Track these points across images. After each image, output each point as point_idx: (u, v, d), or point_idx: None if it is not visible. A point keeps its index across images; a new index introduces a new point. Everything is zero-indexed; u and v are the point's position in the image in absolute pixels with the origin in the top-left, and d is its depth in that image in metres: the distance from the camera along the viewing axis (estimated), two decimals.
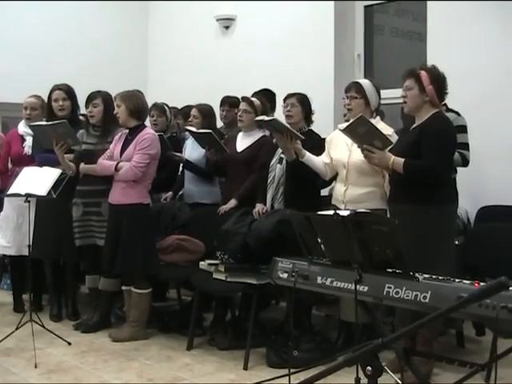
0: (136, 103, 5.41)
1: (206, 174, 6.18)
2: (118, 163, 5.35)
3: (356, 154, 4.82)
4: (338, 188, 5.03)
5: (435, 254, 4.25)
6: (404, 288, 3.34)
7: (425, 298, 3.26)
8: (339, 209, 4.55)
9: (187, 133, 6.35)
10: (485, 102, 5.89)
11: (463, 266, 4.98)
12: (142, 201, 5.39)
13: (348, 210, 3.79)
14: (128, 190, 5.35)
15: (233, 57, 8.15)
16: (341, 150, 5.00)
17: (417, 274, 3.38)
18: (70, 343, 5.27)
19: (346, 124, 4.79)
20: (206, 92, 7.40)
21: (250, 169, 5.72)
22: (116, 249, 5.35)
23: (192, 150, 6.27)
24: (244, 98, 5.87)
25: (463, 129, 5.21)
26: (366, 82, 5.07)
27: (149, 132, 5.44)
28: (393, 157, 4.42)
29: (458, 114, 5.25)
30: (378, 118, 5.05)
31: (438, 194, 4.38)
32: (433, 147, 4.33)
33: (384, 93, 6.26)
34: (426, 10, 6.44)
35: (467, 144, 5.26)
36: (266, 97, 6.36)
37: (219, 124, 6.76)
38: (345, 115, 5.41)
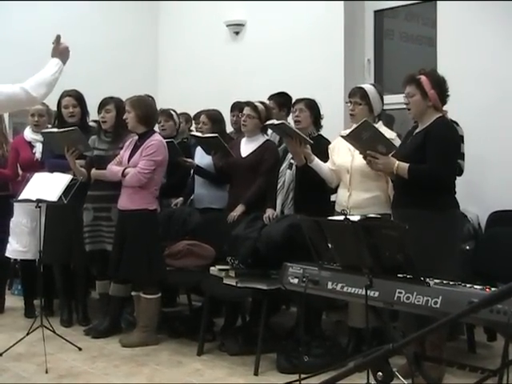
0: (145, 110, 5.42)
1: (216, 179, 6.18)
2: (124, 169, 5.37)
3: (359, 159, 4.82)
4: (342, 193, 5.02)
5: (439, 259, 4.22)
6: (415, 293, 3.34)
7: (436, 303, 3.25)
8: (349, 214, 4.54)
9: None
10: (497, 105, 5.86)
11: (474, 271, 4.96)
12: (148, 206, 5.39)
13: (356, 215, 3.78)
14: (134, 196, 5.36)
15: (243, 62, 8.16)
16: (343, 155, 5.01)
17: (427, 279, 3.37)
18: (80, 348, 5.28)
19: (349, 130, 4.81)
20: (216, 97, 7.41)
21: (255, 174, 5.72)
22: (122, 254, 5.37)
23: (202, 156, 6.27)
24: (248, 103, 5.87)
25: (460, 139, 5.18)
26: (370, 88, 5.06)
27: (156, 139, 5.44)
28: (397, 162, 4.41)
29: (456, 123, 5.20)
30: (381, 122, 5.06)
31: (442, 199, 4.38)
32: (437, 152, 4.32)
33: (394, 98, 6.29)
34: (436, 14, 6.43)
35: (463, 154, 5.23)
36: (283, 100, 6.36)
37: (229, 129, 6.77)
38: None
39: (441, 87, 4.44)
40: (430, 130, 4.41)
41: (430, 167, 4.32)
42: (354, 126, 4.90)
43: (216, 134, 5.95)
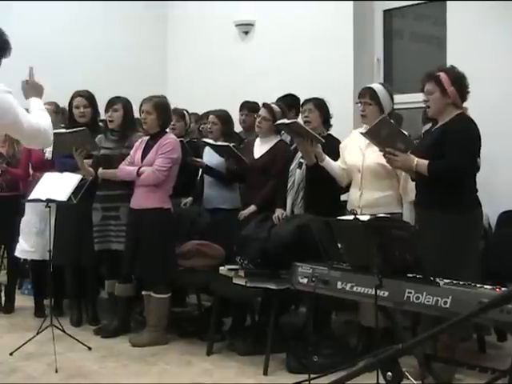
0: (167, 115, 5.53)
1: (226, 178, 6.17)
2: (139, 168, 5.39)
3: (370, 158, 4.81)
4: (353, 193, 5.01)
5: (465, 258, 4.20)
6: (424, 293, 3.34)
7: (445, 303, 3.25)
8: (360, 213, 4.52)
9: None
10: (507, 105, 5.84)
11: (484, 271, 4.94)
12: (163, 205, 5.42)
13: (367, 214, 3.78)
14: (149, 194, 5.38)
15: (252, 62, 8.16)
16: (355, 154, 4.99)
17: (437, 279, 3.36)
18: (90, 348, 5.29)
19: (362, 130, 4.80)
20: (225, 97, 7.41)
21: (267, 175, 5.71)
22: (136, 253, 5.38)
23: (212, 156, 6.26)
24: (265, 105, 5.84)
25: None
26: (379, 88, 5.03)
27: (171, 137, 5.49)
28: (416, 159, 4.36)
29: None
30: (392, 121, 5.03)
31: (467, 198, 4.34)
32: (456, 146, 4.27)
33: (403, 97, 6.28)
34: (446, 13, 6.41)
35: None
36: (290, 102, 6.34)
37: (238, 129, 6.76)
38: None
39: (460, 84, 4.40)
40: (449, 125, 4.38)
41: (448, 162, 4.28)
42: (365, 126, 4.92)
43: (229, 144, 5.93)
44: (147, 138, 5.54)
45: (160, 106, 5.46)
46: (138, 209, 5.42)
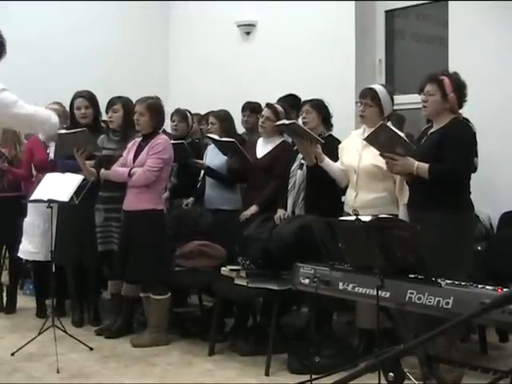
0: (160, 116, 5.49)
1: (227, 180, 6.17)
2: (131, 169, 5.38)
3: (366, 159, 4.81)
4: (349, 193, 5.01)
5: (453, 261, 4.20)
6: (426, 294, 3.34)
7: (447, 303, 3.25)
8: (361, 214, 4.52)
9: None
10: (509, 105, 5.84)
11: (486, 271, 4.94)
12: (155, 206, 5.39)
13: (365, 215, 3.78)
14: (141, 196, 5.36)
15: (254, 62, 8.16)
16: (351, 155, 4.99)
17: (439, 280, 3.36)
18: (91, 348, 5.29)
19: (361, 130, 4.82)
20: (227, 98, 7.41)
21: (270, 175, 5.71)
22: (128, 255, 5.38)
23: (213, 157, 6.26)
24: (269, 105, 5.83)
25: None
26: (381, 89, 5.02)
27: (162, 137, 5.47)
28: (416, 162, 4.37)
29: (467, 120, 5.20)
30: (390, 123, 5.03)
31: (457, 201, 4.35)
32: (457, 151, 4.29)
33: (405, 98, 6.28)
34: (448, 14, 6.41)
35: (476, 151, 5.23)
36: (292, 102, 6.34)
37: (241, 130, 6.76)
38: None
39: (461, 91, 4.42)
40: (447, 129, 4.39)
41: (450, 166, 4.29)
42: (364, 127, 4.92)
43: (233, 139, 5.93)
44: (140, 139, 5.54)
45: (153, 107, 5.43)
46: (131, 210, 5.41)
